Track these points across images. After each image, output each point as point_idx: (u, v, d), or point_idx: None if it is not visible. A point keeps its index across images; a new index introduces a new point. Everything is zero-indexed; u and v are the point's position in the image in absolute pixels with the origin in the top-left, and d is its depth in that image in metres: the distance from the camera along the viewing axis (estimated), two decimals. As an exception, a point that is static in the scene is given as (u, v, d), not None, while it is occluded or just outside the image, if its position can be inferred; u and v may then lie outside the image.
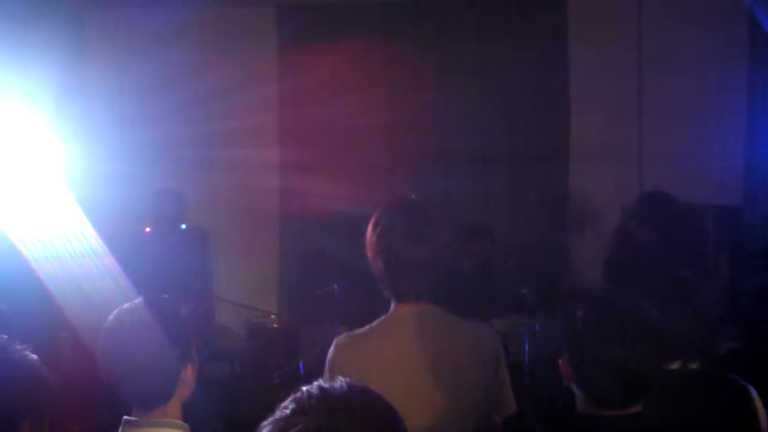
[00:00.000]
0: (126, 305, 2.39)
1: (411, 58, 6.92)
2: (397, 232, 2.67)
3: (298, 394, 1.47)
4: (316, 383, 1.50)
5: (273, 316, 6.44)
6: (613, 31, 6.76)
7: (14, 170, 5.51)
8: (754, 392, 2.63)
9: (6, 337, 2.04)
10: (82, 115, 6.51)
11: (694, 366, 2.62)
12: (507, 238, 6.79)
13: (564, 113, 6.89)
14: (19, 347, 2.01)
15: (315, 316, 6.24)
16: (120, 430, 2.36)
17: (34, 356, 2.03)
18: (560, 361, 2.35)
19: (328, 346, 6.09)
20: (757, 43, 6.44)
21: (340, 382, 1.50)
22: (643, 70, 6.80)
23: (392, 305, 2.76)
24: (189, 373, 2.40)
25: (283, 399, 1.47)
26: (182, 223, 6.32)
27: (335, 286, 5.75)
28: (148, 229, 6.13)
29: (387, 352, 2.68)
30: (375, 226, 2.73)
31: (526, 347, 5.52)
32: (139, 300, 2.39)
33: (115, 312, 2.38)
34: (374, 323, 2.76)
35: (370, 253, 2.73)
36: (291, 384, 6.10)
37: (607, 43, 6.71)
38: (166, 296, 2.44)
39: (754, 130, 6.71)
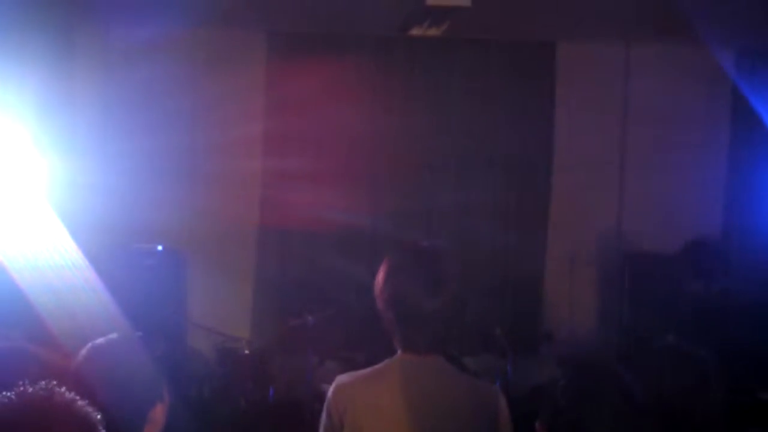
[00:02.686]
0: (99, 340, 2.38)
1: (398, 84, 6.98)
2: (411, 285, 2.62)
3: None
4: None
5: (244, 342, 6.41)
6: (601, 78, 6.88)
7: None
8: None
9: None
10: (66, 127, 6.49)
11: None
12: (483, 272, 6.85)
13: (547, 161, 6.98)
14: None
15: (288, 345, 6.24)
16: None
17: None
18: (537, 425, 2.35)
19: (299, 375, 6.11)
20: (739, 102, 6.55)
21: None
22: (628, 120, 6.90)
23: (398, 351, 2.72)
24: (158, 413, 2.38)
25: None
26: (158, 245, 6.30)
27: (309, 318, 5.75)
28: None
29: (384, 397, 2.64)
30: (387, 276, 2.69)
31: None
32: (112, 336, 2.38)
33: (87, 347, 2.37)
34: (377, 366, 2.72)
35: (380, 303, 2.69)
36: (259, 410, 6.07)
37: (594, 90, 6.83)
38: (140, 334, 2.43)
39: (734, 186, 6.82)
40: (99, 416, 1.88)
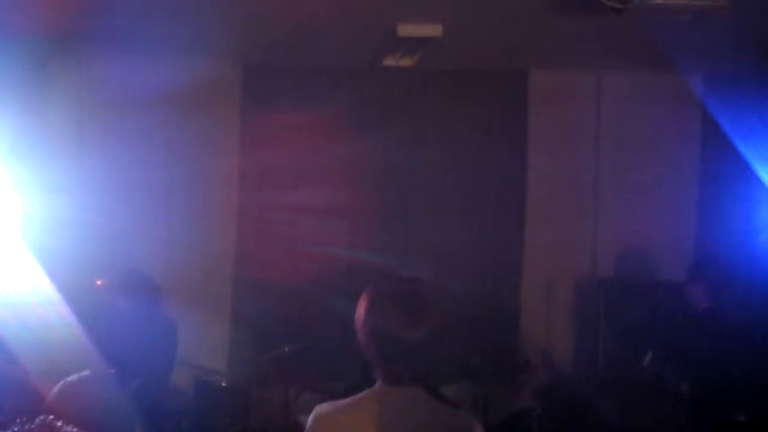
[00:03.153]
0: (71, 377, 2.38)
1: (373, 116, 7.01)
2: (393, 316, 2.66)
3: None
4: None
5: (221, 375, 6.38)
6: (572, 107, 6.95)
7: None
8: None
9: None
10: (40, 161, 6.46)
11: None
12: (459, 303, 6.85)
13: (521, 188, 7.05)
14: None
15: (265, 377, 6.21)
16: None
17: None
18: None
19: (277, 407, 6.09)
20: (708, 126, 6.63)
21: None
22: (600, 146, 6.98)
23: (378, 382, 2.73)
24: (130, 450, 2.38)
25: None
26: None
27: (286, 349, 5.74)
28: (99, 282, 6.07)
29: (364, 427, 2.64)
30: (368, 308, 2.71)
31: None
32: (85, 373, 2.38)
33: (60, 384, 2.37)
34: (357, 396, 2.73)
35: (361, 336, 2.71)
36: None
37: (566, 117, 6.90)
38: (113, 371, 2.43)
39: (705, 208, 6.89)
40: None
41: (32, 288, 5.39)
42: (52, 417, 1.86)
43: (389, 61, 6.38)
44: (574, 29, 5.61)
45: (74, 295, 5.49)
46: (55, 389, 2.37)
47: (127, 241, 6.52)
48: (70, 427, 1.88)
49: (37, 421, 1.85)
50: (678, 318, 5.48)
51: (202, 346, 6.63)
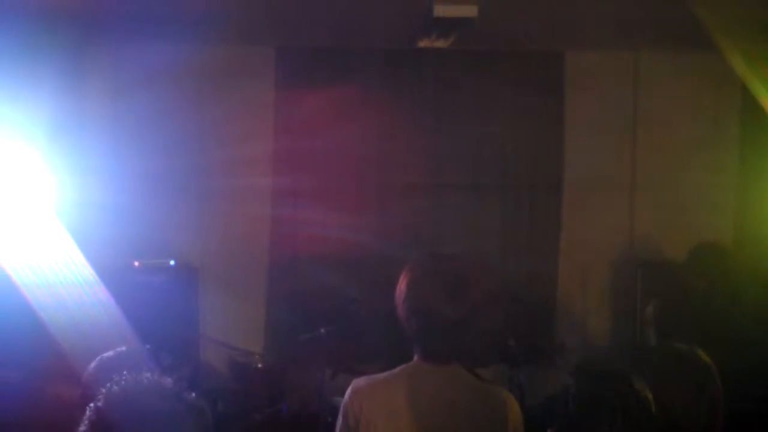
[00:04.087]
0: (108, 353, 2.40)
1: (407, 98, 6.98)
2: (434, 292, 2.65)
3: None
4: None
5: (257, 356, 6.41)
6: (609, 88, 6.88)
7: (6, 200, 5.52)
8: None
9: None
10: (76, 145, 6.51)
11: None
12: (496, 285, 6.83)
13: (558, 170, 7.01)
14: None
15: (301, 358, 6.23)
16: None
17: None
18: (549, 431, 2.36)
19: (313, 389, 6.11)
20: (749, 106, 6.53)
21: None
22: (638, 127, 6.90)
23: (415, 357, 2.75)
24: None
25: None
26: (170, 259, 6.33)
27: (322, 331, 5.74)
28: (137, 264, 6.13)
29: (400, 400, 2.67)
30: (410, 283, 2.71)
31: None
32: (121, 349, 2.40)
33: (96, 359, 2.39)
34: (395, 370, 2.76)
35: (402, 312, 2.71)
36: (273, 425, 6.05)
37: (603, 98, 6.84)
38: (148, 346, 2.44)
39: (744, 186, 6.80)
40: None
41: (69, 269, 5.44)
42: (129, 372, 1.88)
43: (424, 43, 6.35)
44: (610, 8, 5.55)
45: (110, 276, 5.54)
46: (92, 364, 2.38)
47: (163, 223, 6.57)
48: (155, 375, 1.90)
49: (123, 378, 1.86)
50: (714, 298, 5.42)
51: (239, 328, 6.69)
